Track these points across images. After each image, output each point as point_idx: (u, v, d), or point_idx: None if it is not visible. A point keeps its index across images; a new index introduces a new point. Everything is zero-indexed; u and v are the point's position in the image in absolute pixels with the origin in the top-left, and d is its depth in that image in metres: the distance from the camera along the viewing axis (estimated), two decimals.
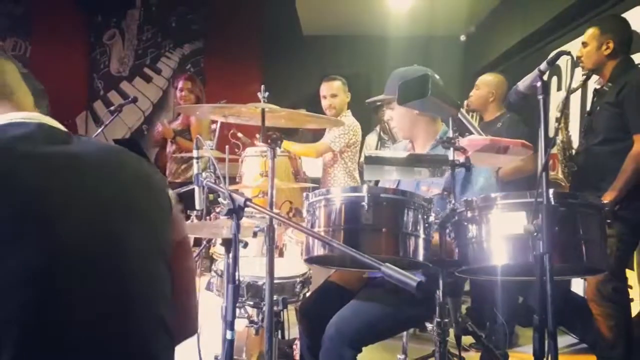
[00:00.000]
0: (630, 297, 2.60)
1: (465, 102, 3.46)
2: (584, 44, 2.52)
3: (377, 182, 2.31)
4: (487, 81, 3.27)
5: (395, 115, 2.04)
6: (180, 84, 3.96)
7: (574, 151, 2.81)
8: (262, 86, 1.59)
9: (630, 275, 2.73)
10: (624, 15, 2.77)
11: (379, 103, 2.36)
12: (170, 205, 0.92)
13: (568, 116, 2.74)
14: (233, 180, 3.41)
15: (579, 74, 3.42)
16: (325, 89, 3.53)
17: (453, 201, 1.47)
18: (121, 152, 0.90)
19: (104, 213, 0.80)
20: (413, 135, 2.02)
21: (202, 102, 3.74)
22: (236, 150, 3.91)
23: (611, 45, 2.43)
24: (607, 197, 2.30)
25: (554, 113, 3.70)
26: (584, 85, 2.64)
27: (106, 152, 0.86)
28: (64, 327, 0.72)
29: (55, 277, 0.73)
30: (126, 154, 0.90)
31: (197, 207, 1.68)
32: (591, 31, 2.50)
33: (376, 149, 4.07)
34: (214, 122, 3.84)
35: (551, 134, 3.48)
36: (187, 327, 1.04)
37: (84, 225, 0.77)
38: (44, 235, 0.73)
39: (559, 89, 3.86)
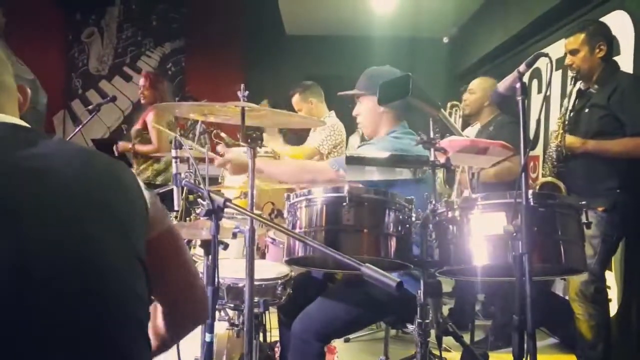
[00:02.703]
0: (609, 297, 2.64)
1: (461, 107, 3.48)
2: (574, 51, 2.46)
3: None
4: (482, 85, 3.30)
5: (363, 110, 2.03)
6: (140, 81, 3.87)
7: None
8: (242, 85, 1.57)
9: (608, 276, 2.77)
10: (601, 20, 2.80)
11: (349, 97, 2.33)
12: (145, 203, 0.89)
13: (566, 120, 2.70)
14: (215, 181, 3.36)
15: (556, 77, 3.48)
16: (294, 106, 3.52)
17: (433, 202, 1.47)
18: (90, 153, 0.88)
19: (73, 213, 0.77)
20: (376, 131, 2.01)
21: (160, 101, 3.62)
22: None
23: (604, 48, 2.42)
24: (579, 142, 2.37)
25: (535, 114, 3.73)
26: (573, 87, 2.60)
27: (75, 153, 0.84)
28: (33, 326, 0.70)
29: (24, 276, 0.70)
30: (96, 154, 0.88)
31: (175, 207, 1.67)
32: (577, 38, 2.45)
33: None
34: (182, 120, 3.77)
35: (535, 135, 3.53)
36: (195, 313, 1.06)
37: (52, 224, 0.75)
38: (11, 234, 0.71)
39: (539, 91, 3.90)
